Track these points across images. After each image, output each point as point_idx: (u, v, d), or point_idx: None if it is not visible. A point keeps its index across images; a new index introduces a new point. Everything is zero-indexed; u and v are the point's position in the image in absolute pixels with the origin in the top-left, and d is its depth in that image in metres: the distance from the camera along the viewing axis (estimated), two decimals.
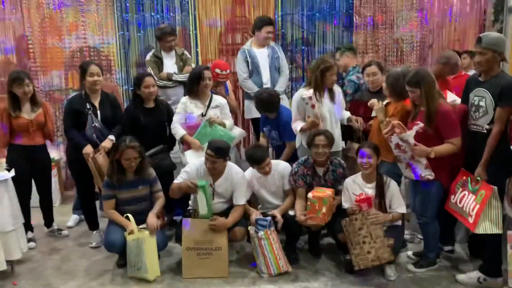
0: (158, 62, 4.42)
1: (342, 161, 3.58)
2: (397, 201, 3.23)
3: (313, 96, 3.53)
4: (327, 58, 3.70)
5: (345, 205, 3.30)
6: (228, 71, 4.24)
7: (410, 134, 2.98)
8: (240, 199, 3.43)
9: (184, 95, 4.03)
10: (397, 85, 3.29)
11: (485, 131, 2.93)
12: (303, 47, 5.29)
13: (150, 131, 3.76)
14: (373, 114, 3.50)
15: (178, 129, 3.82)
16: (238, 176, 3.47)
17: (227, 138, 3.71)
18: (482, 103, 2.95)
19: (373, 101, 3.44)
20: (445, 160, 3.04)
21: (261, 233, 3.25)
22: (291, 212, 3.47)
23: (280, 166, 3.61)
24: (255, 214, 3.42)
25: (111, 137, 3.73)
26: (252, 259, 3.55)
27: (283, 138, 3.94)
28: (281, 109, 3.96)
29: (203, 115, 3.85)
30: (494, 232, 2.87)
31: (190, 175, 3.43)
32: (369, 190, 3.24)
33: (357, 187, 3.29)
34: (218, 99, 3.96)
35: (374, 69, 3.76)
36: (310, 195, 3.25)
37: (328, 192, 3.27)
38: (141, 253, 3.20)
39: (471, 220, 2.93)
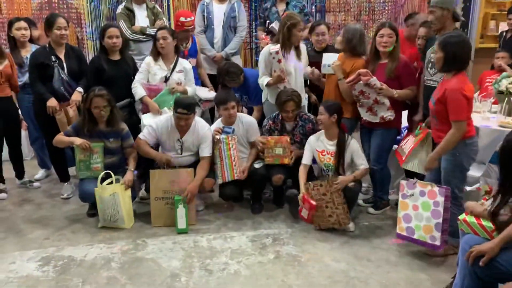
0: (130, 15, 4.36)
1: (312, 116, 3.68)
2: (359, 158, 3.37)
3: (280, 51, 3.60)
4: (294, 15, 3.73)
5: (305, 162, 3.44)
6: (192, 17, 4.16)
7: (375, 79, 3.18)
8: (206, 151, 3.53)
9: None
10: (353, 41, 3.44)
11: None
12: None
13: (115, 83, 3.75)
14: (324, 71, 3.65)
15: (138, 89, 3.79)
16: (204, 130, 3.56)
17: None
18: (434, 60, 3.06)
19: (308, 70, 3.67)
20: (400, 108, 3.32)
21: (222, 136, 3.49)
22: (256, 165, 3.62)
23: (246, 118, 3.71)
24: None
25: (79, 89, 3.75)
26: (219, 209, 3.73)
27: (251, 102, 4.01)
28: (247, 74, 4.01)
29: (166, 79, 3.84)
30: (420, 172, 3.15)
31: (159, 131, 3.49)
32: (331, 147, 3.38)
33: (320, 143, 3.42)
34: (183, 63, 3.93)
35: (324, 29, 3.88)
36: (263, 139, 3.56)
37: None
38: (118, 206, 3.31)
39: (404, 158, 3.23)
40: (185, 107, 3.36)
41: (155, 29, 4.18)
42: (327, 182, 3.25)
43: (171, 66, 3.86)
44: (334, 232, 3.28)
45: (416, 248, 3.01)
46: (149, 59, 3.87)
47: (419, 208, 2.85)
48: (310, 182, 3.32)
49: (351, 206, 3.30)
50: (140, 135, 3.54)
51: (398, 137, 3.56)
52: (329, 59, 3.57)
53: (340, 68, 3.45)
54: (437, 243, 2.78)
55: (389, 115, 3.29)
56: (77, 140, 3.39)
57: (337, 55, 3.59)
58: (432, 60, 3.10)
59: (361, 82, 3.20)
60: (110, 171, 3.38)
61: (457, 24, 3.33)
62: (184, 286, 2.65)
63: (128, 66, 3.90)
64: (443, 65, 2.72)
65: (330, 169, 3.39)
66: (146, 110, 3.83)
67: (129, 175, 3.44)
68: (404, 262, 2.89)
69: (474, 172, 3.44)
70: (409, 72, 3.30)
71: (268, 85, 3.71)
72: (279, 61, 3.61)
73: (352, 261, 2.91)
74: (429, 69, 3.12)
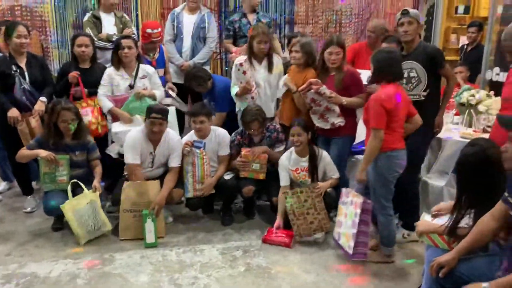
0: (97, 23, 4.29)
1: (278, 126, 3.72)
2: (331, 168, 3.42)
3: (245, 62, 3.64)
4: (257, 27, 3.78)
5: (284, 184, 3.44)
6: (159, 29, 4.12)
7: (325, 87, 3.32)
8: (175, 162, 3.51)
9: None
10: (313, 53, 3.58)
11: (423, 98, 3.18)
12: None
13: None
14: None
15: (105, 102, 3.72)
16: (175, 140, 3.53)
17: None
18: (413, 74, 3.16)
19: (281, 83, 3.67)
20: (351, 115, 3.45)
21: (197, 151, 3.49)
22: (226, 177, 3.61)
23: (219, 131, 3.70)
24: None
25: (43, 98, 3.65)
26: (188, 220, 3.69)
27: (216, 108, 3.99)
28: (216, 81, 4.01)
29: (131, 87, 3.78)
30: None
31: (135, 150, 3.42)
32: (304, 163, 3.41)
33: (292, 162, 3.45)
34: (145, 68, 3.86)
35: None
36: (242, 152, 3.55)
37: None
38: (97, 213, 3.32)
39: None
40: (158, 112, 3.35)
41: None
42: (307, 188, 3.28)
43: (133, 74, 3.81)
44: (304, 243, 3.30)
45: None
46: (110, 70, 3.79)
47: (347, 215, 2.98)
48: (288, 191, 3.34)
49: (330, 212, 3.34)
50: (130, 160, 3.42)
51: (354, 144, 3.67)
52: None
53: (291, 82, 3.55)
54: (350, 252, 2.89)
55: (339, 121, 3.40)
56: (42, 152, 3.30)
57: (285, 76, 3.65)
58: (405, 75, 3.16)
59: (312, 90, 3.34)
60: (77, 181, 3.33)
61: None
62: None
63: (97, 75, 3.80)
64: (373, 76, 2.90)
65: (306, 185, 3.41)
66: (114, 120, 3.78)
67: (96, 182, 3.40)
68: (373, 272, 2.93)
69: (437, 182, 3.56)
70: (356, 82, 3.42)
71: (236, 95, 3.75)
72: (244, 72, 3.66)
73: (322, 272, 2.93)
74: (404, 85, 3.20)
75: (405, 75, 3.17)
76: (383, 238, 3.01)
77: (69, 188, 3.29)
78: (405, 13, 3.13)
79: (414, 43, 3.15)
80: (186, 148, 3.52)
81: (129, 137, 3.46)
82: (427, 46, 3.26)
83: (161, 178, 3.51)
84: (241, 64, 3.66)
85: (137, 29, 4.80)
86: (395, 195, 3.54)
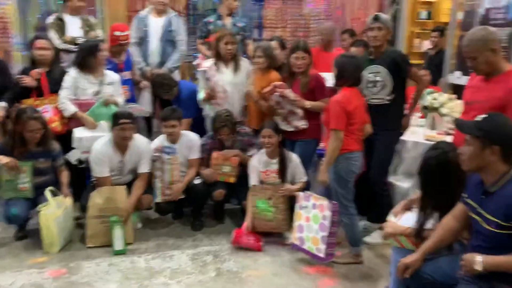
0: (61, 25, 4.16)
1: (249, 129, 3.74)
2: (300, 171, 3.46)
3: (209, 69, 3.66)
4: (223, 30, 3.81)
5: (253, 182, 3.45)
6: (128, 32, 4.06)
7: (290, 90, 3.38)
8: (145, 167, 3.46)
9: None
10: (274, 56, 3.68)
11: (388, 102, 3.24)
12: None
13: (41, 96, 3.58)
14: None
15: (68, 105, 3.58)
16: (144, 145, 3.49)
17: None
18: (378, 78, 3.22)
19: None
20: (315, 118, 3.45)
21: (167, 157, 3.45)
22: (196, 181, 3.59)
23: (190, 136, 3.67)
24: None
25: (3, 103, 3.52)
26: (157, 226, 3.65)
27: (182, 113, 3.94)
28: (182, 87, 4.00)
29: (97, 93, 3.67)
30: None
31: (102, 163, 3.35)
32: (274, 165, 3.43)
33: (263, 164, 3.46)
34: (111, 75, 3.78)
35: (274, 45, 3.92)
36: (214, 154, 3.55)
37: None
38: (70, 219, 3.36)
39: None
40: (127, 117, 3.31)
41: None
42: (273, 187, 3.32)
43: (100, 79, 3.71)
44: (274, 246, 3.32)
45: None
46: (74, 73, 3.63)
47: (310, 219, 3.01)
48: (256, 184, 3.37)
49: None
50: (98, 174, 3.35)
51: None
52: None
53: (252, 92, 3.60)
54: (322, 255, 2.93)
55: (302, 124, 3.45)
56: (3, 159, 3.19)
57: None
58: (371, 79, 3.24)
59: (277, 93, 3.37)
60: (44, 192, 3.23)
61: None
62: None
63: (57, 77, 3.67)
64: (336, 80, 2.96)
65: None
66: (76, 125, 3.63)
67: (65, 189, 3.35)
68: (342, 273, 2.97)
69: (403, 183, 3.65)
70: (320, 86, 3.46)
71: (203, 100, 3.76)
72: (208, 79, 3.67)
73: (292, 275, 2.95)
74: (370, 88, 3.27)
75: (371, 78, 3.25)
76: (349, 238, 3.07)
77: (49, 195, 3.21)
78: (376, 18, 3.20)
79: (382, 48, 3.23)
80: (156, 154, 3.49)
81: (95, 150, 3.37)
82: (394, 51, 3.35)
83: (130, 183, 3.46)
84: (205, 71, 3.67)
85: (103, 32, 4.71)
86: (363, 198, 3.64)
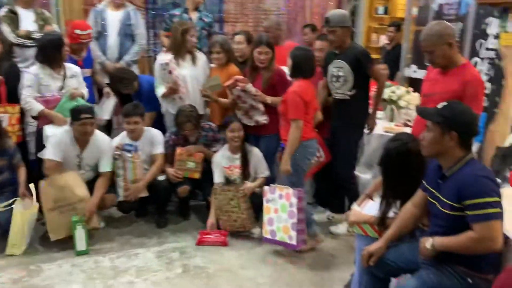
0: (14, 18, 3.96)
1: (213, 125, 3.71)
2: (261, 166, 3.47)
3: (170, 62, 3.60)
4: (185, 21, 3.78)
5: (218, 181, 3.43)
6: (90, 31, 3.95)
7: (251, 85, 3.36)
8: (106, 166, 3.38)
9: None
10: (232, 50, 3.72)
11: (349, 97, 3.30)
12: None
13: None
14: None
15: (34, 104, 3.42)
16: (105, 143, 3.41)
17: None
18: (341, 73, 3.28)
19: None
20: (277, 113, 3.34)
21: (128, 155, 3.39)
22: (160, 178, 3.54)
23: (152, 132, 3.61)
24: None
25: None
26: (121, 225, 3.58)
27: (145, 108, 3.79)
28: (142, 80, 3.93)
29: (62, 88, 3.54)
30: None
31: (62, 146, 3.26)
32: (237, 160, 3.43)
33: (226, 160, 3.46)
34: (72, 68, 3.65)
35: (240, 39, 3.91)
36: (178, 151, 3.51)
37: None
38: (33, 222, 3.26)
39: None
40: (87, 112, 3.22)
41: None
42: (234, 188, 3.31)
43: (62, 73, 3.58)
44: (240, 240, 3.33)
45: (316, 249, 3.21)
46: (36, 69, 3.49)
47: (278, 210, 3.07)
48: (217, 187, 3.36)
49: (259, 212, 3.38)
50: (49, 155, 3.24)
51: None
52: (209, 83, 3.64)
53: (212, 88, 3.57)
54: (294, 242, 2.99)
55: (263, 119, 3.47)
56: None
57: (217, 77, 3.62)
58: (335, 74, 3.30)
59: (238, 88, 3.37)
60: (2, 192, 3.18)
61: None
62: None
63: (6, 71, 3.51)
64: (290, 72, 3.07)
65: (239, 182, 3.43)
66: (45, 123, 3.49)
67: (23, 189, 3.23)
68: (308, 263, 3.03)
69: (364, 174, 3.75)
70: (283, 81, 3.43)
71: (163, 96, 3.68)
72: (170, 72, 3.61)
73: (259, 267, 2.98)
74: (334, 83, 3.32)
75: (335, 73, 3.31)
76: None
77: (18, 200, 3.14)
78: (327, 22, 3.26)
79: (345, 44, 3.27)
80: (116, 152, 3.41)
81: (54, 135, 3.29)
82: (356, 47, 3.35)
83: (93, 182, 3.37)
84: (166, 64, 3.60)
85: (59, 26, 4.55)
86: (325, 189, 3.72)
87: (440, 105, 1.93)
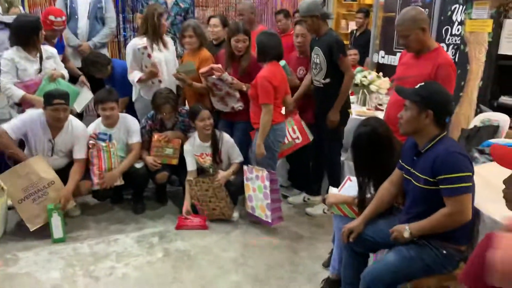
0: None
1: None
2: (234, 152, 3.48)
3: (148, 46, 3.55)
4: (158, 5, 3.74)
5: (191, 169, 3.43)
6: (64, 17, 3.84)
7: (227, 74, 3.39)
8: (80, 153, 3.32)
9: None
10: (204, 34, 3.73)
11: (322, 86, 3.32)
12: None
13: None
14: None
15: (14, 90, 3.33)
16: (79, 130, 3.34)
17: (72, 92, 3.51)
18: (317, 60, 3.31)
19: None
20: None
21: (102, 144, 3.35)
22: (137, 165, 3.52)
23: (128, 119, 3.57)
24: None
25: None
26: (97, 212, 3.54)
27: (119, 94, 3.75)
28: (115, 65, 3.88)
29: (40, 71, 3.45)
30: None
31: (28, 126, 3.18)
32: (208, 148, 3.43)
33: (197, 148, 3.45)
34: (48, 49, 3.57)
35: (216, 22, 3.91)
36: (155, 137, 3.51)
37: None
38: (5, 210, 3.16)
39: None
40: (61, 97, 3.14)
41: (9, 17, 3.73)
42: (208, 179, 3.33)
43: (38, 55, 3.47)
44: (220, 223, 3.37)
45: (294, 230, 3.30)
46: (12, 54, 3.37)
47: (256, 190, 3.22)
48: (192, 179, 3.36)
49: (236, 198, 3.42)
50: (5, 125, 3.14)
51: None
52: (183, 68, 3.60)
53: (187, 76, 3.52)
54: (269, 220, 3.17)
55: (239, 105, 3.50)
56: None
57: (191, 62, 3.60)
58: (314, 61, 3.34)
59: (214, 76, 3.38)
60: None
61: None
62: None
63: None
64: (257, 56, 3.18)
65: (213, 169, 3.45)
66: (28, 107, 3.39)
67: None
68: (286, 244, 3.11)
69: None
70: (259, 69, 3.35)
71: (139, 81, 3.61)
72: (149, 56, 3.56)
73: (239, 249, 3.03)
74: (313, 69, 3.37)
75: (314, 60, 3.35)
76: None
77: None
78: (298, 11, 3.31)
79: (321, 31, 3.28)
80: (91, 141, 3.36)
81: (28, 113, 3.22)
82: (331, 35, 3.28)
83: (67, 169, 3.31)
84: (145, 48, 3.53)
85: (24, 8, 4.39)
86: (301, 173, 3.81)
87: (418, 86, 2.02)
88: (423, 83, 2.03)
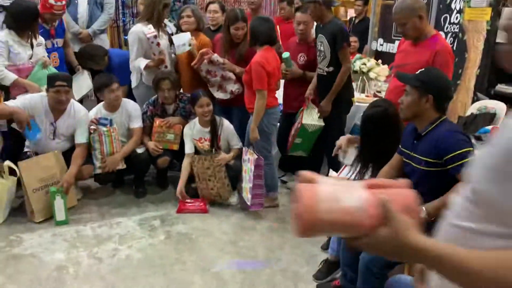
0: None
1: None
2: (234, 139, 3.53)
3: (157, 34, 3.57)
4: None
5: (189, 151, 3.48)
6: (63, 1, 3.80)
7: (217, 55, 3.42)
8: (82, 137, 3.36)
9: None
10: (202, 18, 3.80)
11: (325, 74, 3.34)
12: None
13: None
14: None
15: (7, 73, 3.31)
16: (80, 114, 3.37)
17: None
18: (321, 48, 3.33)
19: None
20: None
21: (104, 129, 3.38)
22: (139, 150, 3.56)
23: (130, 104, 3.60)
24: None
25: None
26: (98, 196, 3.59)
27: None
28: (112, 54, 3.91)
29: (31, 56, 3.45)
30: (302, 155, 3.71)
31: (30, 109, 3.18)
32: (207, 134, 3.48)
33: (196, 132, 3.49)
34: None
35: (215, 7, 3.92)
36: (156, 122, 3.55)
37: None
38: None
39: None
40: (63, 79, 3.17)
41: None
42: (210, 157, 3.39)
43: (29, 41, 3.47)
44: (220, 207, 3.44)
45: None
46: (5, 36, 3.36)
47: (246, 172, 3.30)
48: (196, 155, 3.44)
49: (235, 183, 3.48)
50: (11, 103, 3.15)
51: None
52: (181, 39, 3.60)
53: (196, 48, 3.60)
54: (249, 203, 3.25)
55: (236, 88, 3.55)
56: None
57: (187, 34, 3.62)
58: (318, 48, 3.37)
59: (205, 61, 3.41)
60: None
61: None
62: (74, 277, 2.55)
63: None
64: (250, 41, 3.22)
65: (212, 153, 3.49)
66: (18, 93, 3.37)
67: None
68: (285, 228, 3.17)
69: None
70: (254, 54, 3.32)
71: (147, 67, 3.61)
72: (158, 44, 3.58)
73: (239, 232, 3.10)
74: (318, 57, 3.39)
75: (318, 47, 3.37)
76: (268, 185, 3.38)
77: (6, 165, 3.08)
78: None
79: (325, 19, 3.26)
80: (92, 127, 3.39)
81: (30, 96, 3.23)
82: (335, 23, 3.26)
83: (69, 153, 3.35)
84: (155, 36, 3.55)
85: None
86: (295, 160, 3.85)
87: (418, 71, 2.06)
88: (423, 69, 2.08)
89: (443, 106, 2.05)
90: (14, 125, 3.28)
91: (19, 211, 3.26)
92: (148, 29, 3.54)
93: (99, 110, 3.53)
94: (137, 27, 3.65)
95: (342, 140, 2.69)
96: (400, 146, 2.24)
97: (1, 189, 3.07)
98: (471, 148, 1.94)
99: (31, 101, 3.22)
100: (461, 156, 1.90)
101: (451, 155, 1.93)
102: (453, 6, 4.13)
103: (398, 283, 1.76)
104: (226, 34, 3.49)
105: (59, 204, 3.11)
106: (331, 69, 3.31)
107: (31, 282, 2.49)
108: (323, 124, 3.46)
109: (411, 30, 2.64)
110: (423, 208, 2.05)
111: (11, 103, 3.16)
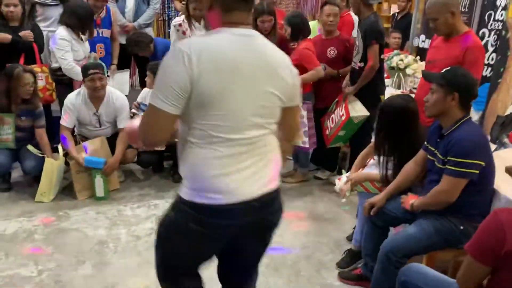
0: None
1: None
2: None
3: (183, 23, 3.76)
4: None
5: None
6: None
7: None
8: (125, 123, 3.53)
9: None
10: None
11: (357, 68, 3.40)
12: None
13: (14, 50, 3.61)
14: None
15: (78, 69, 3.56)
16: (120, 101, 3.57)
17: None
18: (357, 42, 3.39)
19: None
20: None
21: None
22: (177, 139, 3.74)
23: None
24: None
25: None
26: (139, 179, 3.82)
27: None
28: (157, 43, 4.13)
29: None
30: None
31: (76, 108, 3.45)
32: None
33: None
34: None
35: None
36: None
37: None
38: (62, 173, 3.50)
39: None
40: (94, 67, 3.35)
41: None
42: None
43: (81, 38, 3.74)
44: None
45: (322, 206, 3.45)
46: (66, 34, 3.62)
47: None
48: None
49: None
50: (62, 121, 3.45)
51: None
52: None
53: None
54: (307, 145, 3.59)
55: None
56: None
57: None
58: (356, 43, 3.43)
59: None
60: (25, 145, 3.39)
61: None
62: (113, 251, 2.77)
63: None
64: (291, 36, 3.52)
65: None
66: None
67: (49, 154, 3.42)
68: (313, 217, 3.28)
69: None
70: (285, 46, 3.49)
71: None
72: (183, 33, 3.77)
73: None
74: (355, 50, 3.46)
75: (356, 42, 3.43)
76: (301, 161, 3.79)
77: (32, 148, 3.36)
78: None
79: (361, 14, 3.33)
80: (133, 110, 3.61)
81: (68, 99, 3.47)
82: (369, 20, 3.27)
83: (113, 139, 3.58)
84: (180, 25, 3.77)
85: None
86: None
87: (444, 70, 2.10)
88: (448, 68, 2.11)
89: (468, 104, 2.07)
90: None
91: (69, 189, 3.53)
92: (177, 19, 3.76)
93: (143, 96, 3.73)
94: (175, 20, 3.89)
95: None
96: (425, 142, 2.28)
97: (53, 168, 3.32)
98: (475, 161, 1.97)
99: (70, 105, 3.43)
100: (457, 163, 1.98)
101: (450, 157, 2.00)
102: (498, 2, 4.03)
103: (409, 271, 1.84)
104: (253, 27, 3.60)
105: (99, 182, 3.37)
106: (362, 64, 3.36)
107: (76, 253, 2.73)
108: (368, 113, 3.44)
109: (443, 26, 2.65)
110: (411, 201, 2.17)
111: (62, 122, 3.44)
